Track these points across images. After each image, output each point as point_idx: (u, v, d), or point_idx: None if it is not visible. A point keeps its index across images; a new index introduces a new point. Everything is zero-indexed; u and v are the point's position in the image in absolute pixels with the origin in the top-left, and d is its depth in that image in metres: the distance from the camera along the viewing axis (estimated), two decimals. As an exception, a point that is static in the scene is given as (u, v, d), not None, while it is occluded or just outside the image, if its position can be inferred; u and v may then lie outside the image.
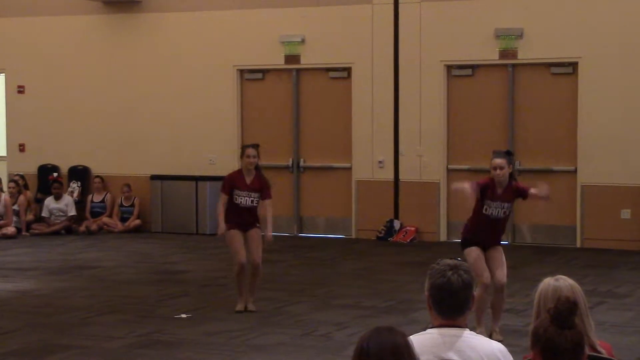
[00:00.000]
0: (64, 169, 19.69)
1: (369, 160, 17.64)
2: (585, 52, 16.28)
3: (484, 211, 9.82)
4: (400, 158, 17.47)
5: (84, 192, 19.46)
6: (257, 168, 11.32)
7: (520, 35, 16.67)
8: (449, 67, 17.24)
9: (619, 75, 16.15)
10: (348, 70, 17.84)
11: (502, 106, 17.05)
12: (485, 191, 9.76)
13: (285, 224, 18.10)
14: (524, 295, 11.51)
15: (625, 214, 16.18)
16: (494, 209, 9.81)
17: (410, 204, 17.36)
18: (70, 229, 18.62)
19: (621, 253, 15.59)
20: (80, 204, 19.17)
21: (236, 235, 11.13)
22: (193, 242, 17.27)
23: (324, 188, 17.81)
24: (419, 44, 17.22)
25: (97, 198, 19.15)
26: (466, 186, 9.82)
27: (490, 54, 16.90)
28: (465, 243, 9.92)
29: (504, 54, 16.85)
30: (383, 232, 17.36)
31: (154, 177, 18.78)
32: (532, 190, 9.96)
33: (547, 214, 16.54)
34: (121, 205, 18.98)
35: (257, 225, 11.27)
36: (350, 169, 17.85)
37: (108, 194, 19.15)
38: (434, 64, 17.16)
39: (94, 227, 18.65)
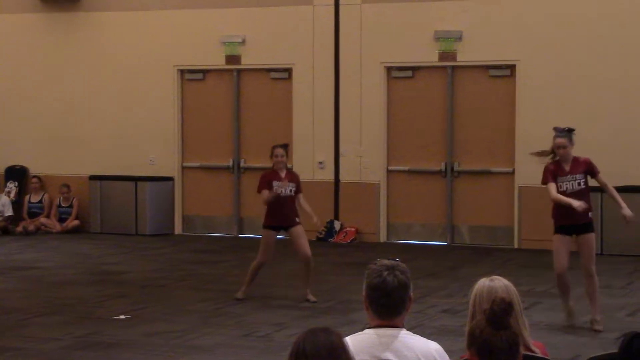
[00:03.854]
0: (1, 169, 19.44)
1: (309, 161, 17.66)
2: (523, 55, 16.46)
3: (559, 189, 10.30)
4: (341, 159, 17.52)
5: (21, 192, 19.25)
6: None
7: (459, 38, 16.81)
8: (389, 69, 17.33)
9: (555, 78, 16.35)
10: (289, 71, 17.86)
11: (441, 108, 17.17)
12: (556, 172, 10.30)
13: (226, 225, 18.08)
14: (461, 295, 11.60)
15: (562, 215, 16.36)
16: (567, 183, 10.32)
17: (351, 205, 17.42)
18: (7, 229, 18.40)
19: (558, 253, 15.74)
20: (17, 204, 18.97)
21: (270, 235, 11.91)
22: (132, 243, 17.17)
23: (265, 189, 17.80)
24: (359, 46, 17.29)
25: (35, 198, 18.96)
26: (574, 203, 10.14)
27: (429, 56, 17.01)
28: (555, 229, 10.43)
29: (443, 56, 16.98)
30: (323, 232, 17.39)
31: (92, 177, 18.63)
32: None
33: (485, 215, 16.73)
34: (59, 206, 18.80)
35: (298, 220, 11.90)
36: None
37: (46, 194, 18.97)
38: (374, 65, 17.24)
39: (31, 227, 18.47)
